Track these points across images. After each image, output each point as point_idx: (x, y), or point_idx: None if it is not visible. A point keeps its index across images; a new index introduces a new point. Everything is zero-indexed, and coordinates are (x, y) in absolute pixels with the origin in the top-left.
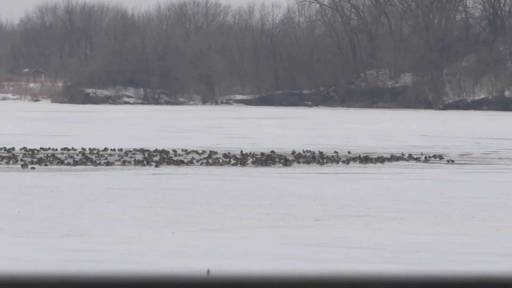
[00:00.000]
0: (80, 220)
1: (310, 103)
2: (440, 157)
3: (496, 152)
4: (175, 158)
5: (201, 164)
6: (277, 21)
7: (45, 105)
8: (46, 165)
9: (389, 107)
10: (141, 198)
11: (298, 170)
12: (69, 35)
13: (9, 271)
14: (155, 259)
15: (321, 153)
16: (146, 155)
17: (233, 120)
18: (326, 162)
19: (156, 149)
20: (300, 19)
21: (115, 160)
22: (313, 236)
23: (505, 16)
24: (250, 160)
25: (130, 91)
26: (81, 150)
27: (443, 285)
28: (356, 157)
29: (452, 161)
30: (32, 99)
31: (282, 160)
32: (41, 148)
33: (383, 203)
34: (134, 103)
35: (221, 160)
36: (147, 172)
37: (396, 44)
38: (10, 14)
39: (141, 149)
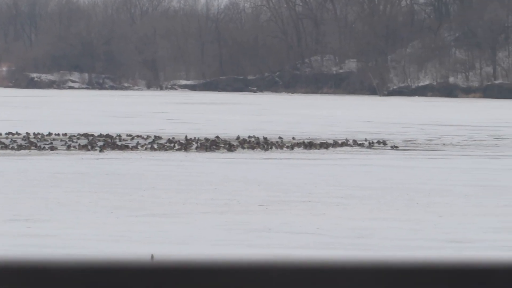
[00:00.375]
0: (24, 204)
1: (255, 88)
2: (384, 143)
3: (440, 138)
4: (119, 143)
5: (146, 149)
6: (222, 7)
7: None
8: None
9: (333, 93)
10: (85, 183)
11: (242, 156)
12: (14, 20)
13: None
14: (99, 244)
15: (265, 138)
16: (91, 140)
17: (177, 106)
18: (271, 148)
19: (101, 134)
20: (245, 4)
21: (60, 145)
22: (257, 221)
23: (449, 2)
24: (194, 146)
25: (75, 76)
26: (25, 134)
27: (387, 271)
28: (300, 143)
29: (396, 147)
30: None
31: (227, 146)
32: None
33: (327, 189)
34: (78, 88)
35: (165, 145)
36: (92, 157)
37: (341, 30)
38: None
39: (85, 134)
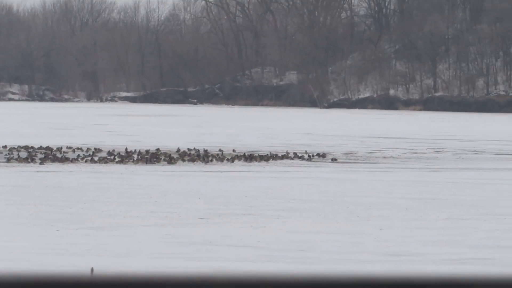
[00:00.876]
0: None
1: (195, 100)
2: (324, 155)
3: (380, 151)
4: (59, 156)
5: (86, 161)
6: (162, 18)
7: None
8: None
9: (274, 105)
10: (25, 195)
11: (183, 168)
12: None
13: None
14: (40, 256)
15: (206, 151)
16: (31, 152)
17: (118, 118)
18: (211, 160)
19: (41, 146)
20: (186, 16)
21: None
22: (198, 234)
23: (390, 14)
24: (135, 158)
25: (15, 88)
26: None
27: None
28: (241, 156)
29: (335, 159)
30: None
31: (167, 158)
32: None
33: (268, 202)
34: (19, 100)
35: (106, 158)
36: (32, 170)
37: (282, 41)
38: None
39: (25, 146)
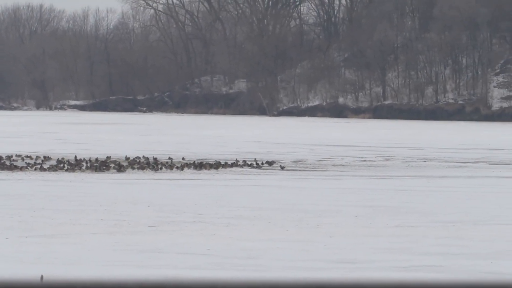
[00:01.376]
0: None
1: (144, 108)
2: (274, 163)
3: (330, 159)
4: (8, 163)
5: (35, 169)
6: (111, 27)
7: None
8: None
9: (223, 113)
10: None
11: (132, 176)
12: None
13: None
14: None
15: (155, 159)
16: None
17: (67, 126)
18: (161, 168)
19: None
20: (135, 24)
21: None
22: (147, 242)
23: (339, 23)
24: (84, 166)
25: None
26: None
27: None
28: (190, 163)
29: (283, 167)
30: None
31: (117, 166)
32: None
33: (217, 210)
34: None
35: (55, 166)
36: None
37: (231, 50)
38: None
39: None
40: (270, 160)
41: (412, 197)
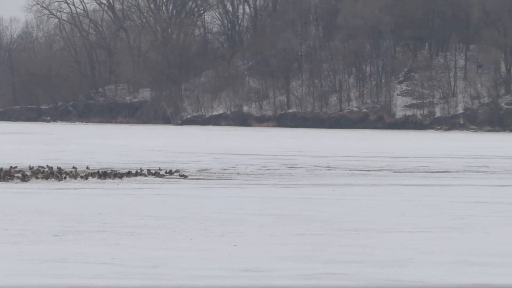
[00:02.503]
0: None
1: (48, 118)
2: (178, 172)
3: (234, 167)
4: None
5: None
6: (15, 36)
7: None
8: None
9: (128, 122)
10: None
11: (36, 186)
12: None
13: None
14: None
15: (59, 168)
16: None
17: None
18: (65, 178)
19: None
20: (39, 33)
21: None
22: (51, 251)
23: (243, 31)
24: None
25: None
26: None
27: None
28: (94, 173)
29: (186, 176)
30: None
31: (20, 176)
32: None
33: (121, 219)
34: None
35: None
36: None
37: (135, 59)
38: None
39: None
40: (174, 169)
41: (316, 205)
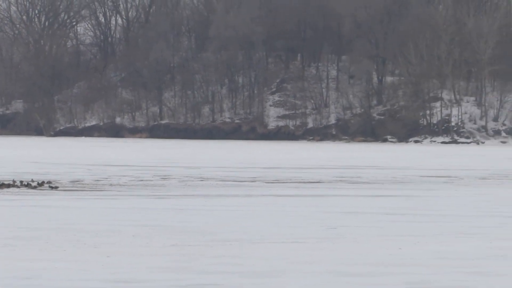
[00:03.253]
0: None
1: None
2: (50, 183)
3: (107, 178)
4: None
5: None
6: None
7: None
8: None
9: (0, 133)
10: None
11: None
12: None
13: None
14: None
15: None
16: None
17: None
18: None
19: None
20: None
21: None
22: None
23: (115, 43)
24: None
25: None
26: None
27: None
28: None
29: (56, 187)
30: None
31: None
32: None
33: None
34: None
35: None
36: None
37: (7, 70)
38: None
39: None
40: (46, 181)
41: (190, 216)
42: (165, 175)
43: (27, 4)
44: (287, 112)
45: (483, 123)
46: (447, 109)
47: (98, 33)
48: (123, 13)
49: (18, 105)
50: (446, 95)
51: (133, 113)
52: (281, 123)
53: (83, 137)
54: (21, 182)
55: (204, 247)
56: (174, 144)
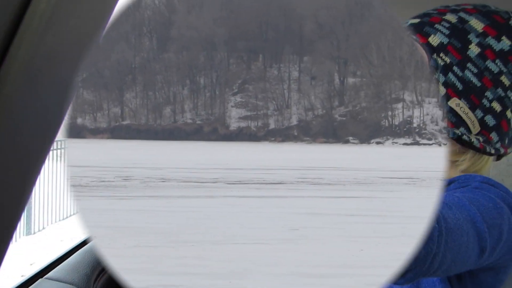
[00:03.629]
0: None
1: None
2: None
3: (67, 180)
4: None
5: None
6: None
7: None
8: None
9: None
10: None
11: None
12: None
13: None
14: None
15: None
16: None
17: None
18: None
19: None
20: None
21: None
22: None
23: None
24: None
25: None
26: None
27: None
28: None
29: None
30: None
31: None
32: None
33: None
34: None
35: None
36: None
37: None
38: None
39: None
40: None
41: (151, 217)
42: (126, 176)
43: None
44: (248, 113)
45: (445, 124)
46: (409, 110)
47: None
48: None
49: None
50: (408, 96)
51: (94, 114)
52: (243, 124)
53: None
54: None
55: (166, 248)
56: (136, 145)
